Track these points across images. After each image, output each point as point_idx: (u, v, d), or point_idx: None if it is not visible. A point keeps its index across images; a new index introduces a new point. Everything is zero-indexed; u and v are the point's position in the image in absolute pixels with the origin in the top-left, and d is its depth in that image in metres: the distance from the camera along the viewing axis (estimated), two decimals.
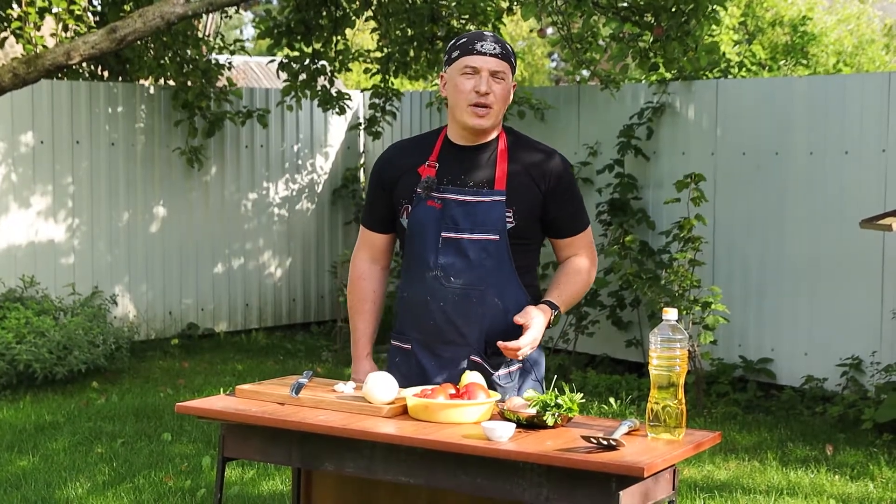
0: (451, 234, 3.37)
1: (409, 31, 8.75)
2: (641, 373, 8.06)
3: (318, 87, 9.14)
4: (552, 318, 3.37)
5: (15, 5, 8.42)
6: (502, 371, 3.41)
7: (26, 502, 5.36)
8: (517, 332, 3.38)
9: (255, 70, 16.97)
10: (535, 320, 3.31)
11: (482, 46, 3.34)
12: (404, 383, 3.33)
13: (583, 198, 3.54)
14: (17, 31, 8.02)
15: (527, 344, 3.28)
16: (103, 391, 7.69)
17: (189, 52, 9.18)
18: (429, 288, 3.40)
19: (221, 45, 9.53)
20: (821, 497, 5.55)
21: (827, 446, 6.42)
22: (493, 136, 3.43)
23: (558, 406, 2.99)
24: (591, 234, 3.52)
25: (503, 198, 3.35)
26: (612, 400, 7.34)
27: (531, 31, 19.46)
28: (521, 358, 3.33)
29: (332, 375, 7.99)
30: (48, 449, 6.26)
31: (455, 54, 3.38)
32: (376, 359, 3.63)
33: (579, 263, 3.48)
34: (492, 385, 3.36)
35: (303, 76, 9.13)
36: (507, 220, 3.35)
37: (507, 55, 3.38)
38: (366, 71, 9.57)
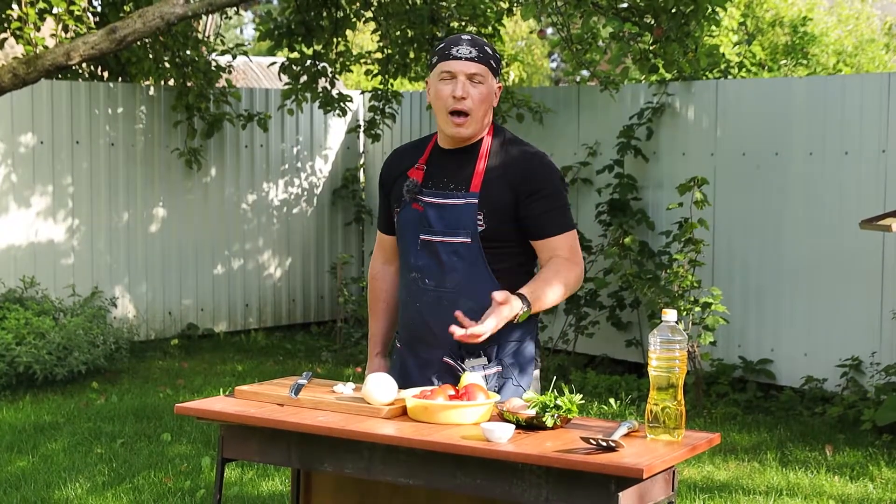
0: (427, 237, 3.39)
1: (409, 33, 8.76)
2: (641, 373, 8.06)
3: (319, 89, 9.14)
4: (520, 311, 3.21)
5: (15, 6, 8.41)
6: (477, 374, 3.38)
7: (26, 502, 5.36)
8: (491, 340, 3.36)
9: (255, 70, 16.95)
10: (500, 309, 3.17)
11: (458, 51, 3.32)
12: (397, 381, 3.33)
13: (568, 204, 3.42)
14: (17, 32, 8.02)
15: (480, 330, 3.13)
16: (103, 392, 7.69)
17: (189, 52, 9.18)
18: (409, 289, 3.45)
19: (221, 46, 9.53)
20: (820, 498, 5.55)
21: (826, 447, 6.42)
22: (479, 137, 3.42)
23: (557, 407, 2.99)
24: (574, 239, 3.39)
25: (475, 200, 3.34)
26: (611, 400, 7.34)
27: (531, 31, 19.46)
28: (473, 340, 3.16)
29: (331, 376, 7.99)
30: (48, 449, 6.26)
31: (434, 60, 3.38)
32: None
33: (557, 264, 3.33)
34: None
35: (304, 78, 9.13)
36: (479, 222, 3.33)
37: (486, 57, 3.34)
38: (367, 73, 9.57)
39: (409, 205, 3.43)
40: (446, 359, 3.40)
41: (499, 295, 3.18)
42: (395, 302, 3.65)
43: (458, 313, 3.18)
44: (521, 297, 3.23)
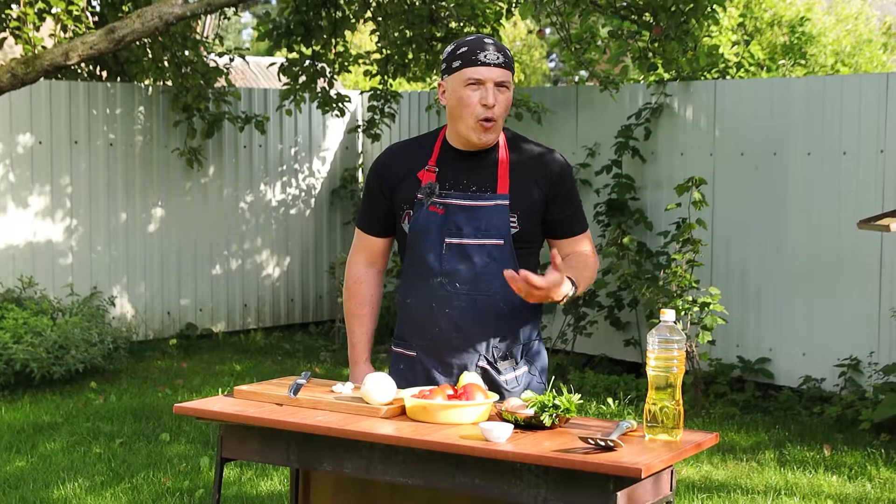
0: (455, 240, 3.30)
1: (408, 33, 8.76)
2: (639, 373, 8.06)
3: (318, 90, 9.14)
4: (570, 293, 3.17)
5: (14, 6, 8.41)
6: (509, 376, 3.37)
7: (24, 502, 5.36)
8: (517, 342, 3.38)
9: (253, 70, 16.95)
10: (559, 282, 3.12)
11: (486, 56, 3.23)
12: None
13: (580, 200, 3.48)
14: (16, 32, 8.01)
15: (539, 282, 3.06)
16: (101, 391, 7.69)
17: (187, 53, 9.18)
18: (434, 294, 3.33)
19: (220, 47, 9.53)
20: (819, 497, 5.56)
21: (825, 447, 6.43)
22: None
23: (556, 407, 2.99)
24: (590, 235, 3.44)
25: (507, 202, 3.29)
26: (609, 400, 7.34)
27: (529, 32, 19.47)
28: (534, 293, 3.08)
29: (330, 376, 7.99)
30: (46, 449, 6.26)
31: (456, 64, 3.27)
32: (374, 362, 3.62)
33: (585, 258, 3.36)
34: (500, 391, 3.34)
35: (302, 78, 9.13)
36: (512, 224, 3.28)
37: (509, 62, 3.30)
38: (365, 73, 9.58)
39: (425, 207, 3.32)
40: (481, 363, 3.36)
41: (559, 260, 3.11)
42: (378, 306, 3.58)
43: (514, 273, 3.08)
44: (570, 279, 3.18)
